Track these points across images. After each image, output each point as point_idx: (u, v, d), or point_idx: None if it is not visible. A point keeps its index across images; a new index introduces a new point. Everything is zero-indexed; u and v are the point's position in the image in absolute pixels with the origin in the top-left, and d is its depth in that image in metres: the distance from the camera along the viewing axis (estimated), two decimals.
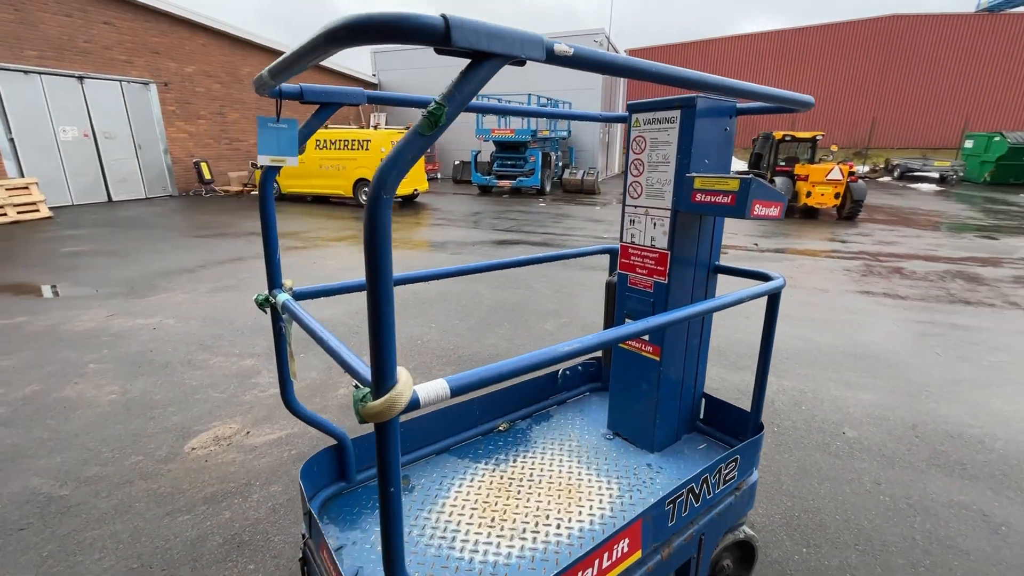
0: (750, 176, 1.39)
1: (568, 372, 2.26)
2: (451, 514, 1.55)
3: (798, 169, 11.14)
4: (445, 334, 4.41)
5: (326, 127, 12.88)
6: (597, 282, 6.04)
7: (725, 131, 1.64)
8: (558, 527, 1.50)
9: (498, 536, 1.46)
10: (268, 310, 1.39)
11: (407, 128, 12.89)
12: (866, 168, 21.96)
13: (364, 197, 12.29)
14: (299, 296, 1.36)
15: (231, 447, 2.80)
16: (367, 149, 12.02)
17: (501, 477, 1.73)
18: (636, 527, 1.33)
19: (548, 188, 15.43)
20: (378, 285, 0.72)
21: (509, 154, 15.00)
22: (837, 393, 3.44)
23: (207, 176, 13.94)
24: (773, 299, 1.61)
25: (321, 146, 12.47)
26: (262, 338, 4.29)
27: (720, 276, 1.85)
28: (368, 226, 0.71)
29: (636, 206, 1.76)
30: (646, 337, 1.78)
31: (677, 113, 1.56)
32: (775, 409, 3.23)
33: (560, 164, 17.21)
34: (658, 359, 1.78)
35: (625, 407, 1.93)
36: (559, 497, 1.63)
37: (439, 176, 21.18)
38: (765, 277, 1.63)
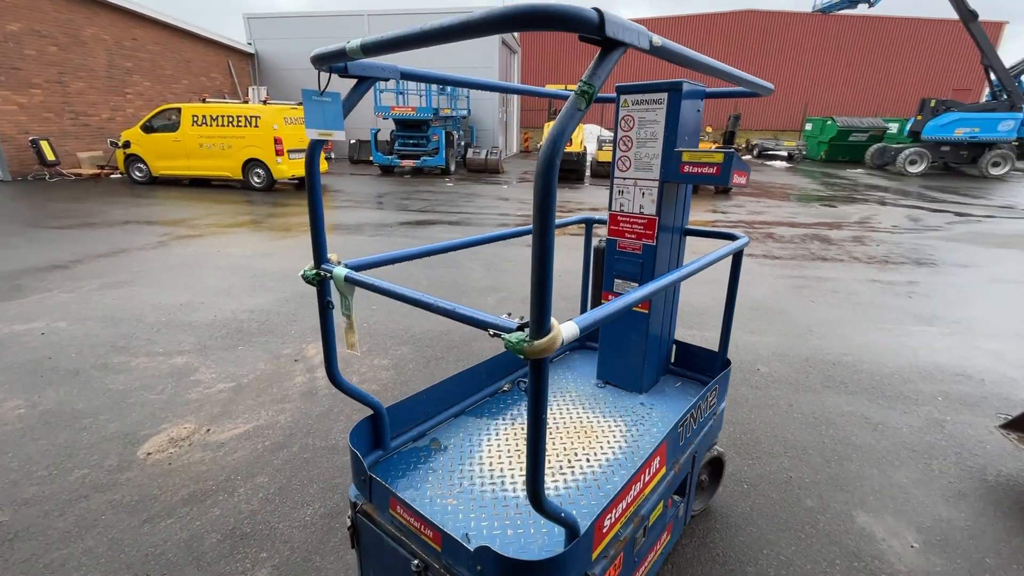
0: (731, 150, 1.68)
1: None
2: (491, 464, 1.69)
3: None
4: (391, 315, 4.38)
5: (203, 100, 11.54)
6: (524, 258, 6.31)
7: (698, 112, 1.92)
8: (588, 461, 1.72)
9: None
10: (317, 284, 1.40)
11: (298, 104, 12.00)
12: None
13: (258, 179, 11.35)
14: (355, 267, 1.38)
15: (194, 447, 2.62)
16: (256, 126, 10.99)
17: (522, 428, 1.89)
18: (663, 448, 1.58)
19: (453, 168, 15.36)
20: (545, 242, 0.85)
21: (411, 133, 14.63)
22: (747, 339, 4.07)
23: (50, 157, 11.78)
24: (738, 255, 1.95)
25: (199, 123, 11.15)
26: (186, 334, 3.93)
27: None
28: (540, 188, 0.83)
29: (625, 178, 1.99)
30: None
31: (665, 96, 1.80)
32: None
33: (462, 143, 17.17)
34: (647, 312, 2.05)
35: (615, 357, 2.19)
36: (579, 437, 1.84)
37: (333, 156, 19.98)
38: (731, 237, 1.96)
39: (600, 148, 14.49)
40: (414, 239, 7.30)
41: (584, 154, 14.05)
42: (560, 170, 14.01)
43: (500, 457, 1.73)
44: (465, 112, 18.02)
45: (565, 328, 0.94)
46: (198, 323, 4.15)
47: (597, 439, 1.83)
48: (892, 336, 4.17)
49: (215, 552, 1.98)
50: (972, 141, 15.73)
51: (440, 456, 1.74)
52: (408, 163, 14.52)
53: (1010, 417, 2.60)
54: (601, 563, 1.34)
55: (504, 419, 1.96)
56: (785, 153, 21.08)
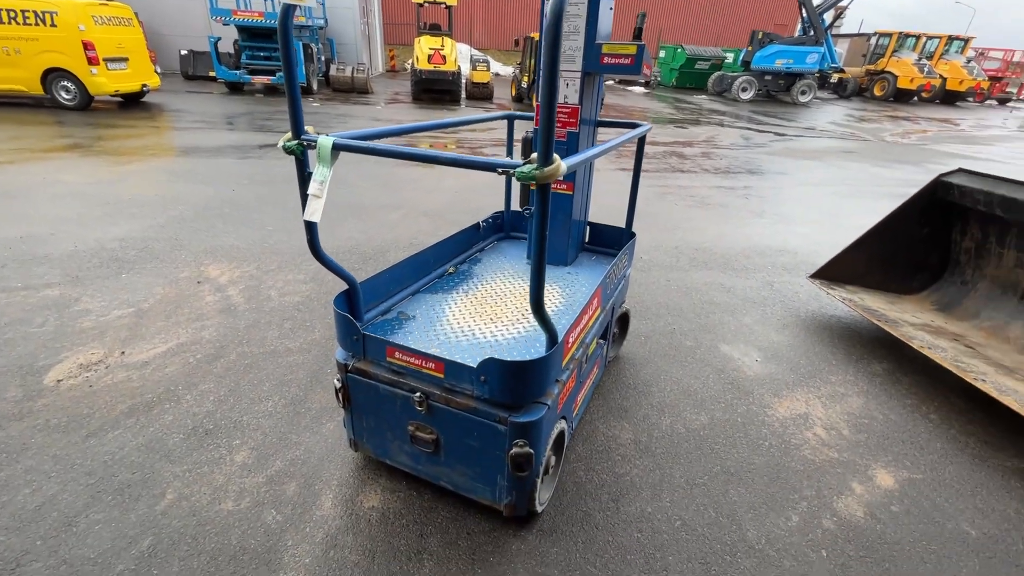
0: (642, 43, 1.99)
1: (484, 223, 2.72)
2: (459, 322, 1.96)
3: None
4: (291, 235, 4.22)
5: None
6: (418, 175, 6.29)
7: (610, 9, 2.18)
8: None
9: (503, 325, 1.94)
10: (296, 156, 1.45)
11: (109, 1, 9.75)
12: None
13: (68, 95, 9.30)
14: (339, 147, 1.44)
15: (112, 368, 2.46)
16: (53, 25, 8.79)
17: (475, 298, 2.16)
18: (599, 291, 1.98)
19: (315, 86, 13.94)
20: (552, 86, 1.07)
21: (261, 44, 12.81)
22: None
23: None
24: (641, 141, 2.34)
25: None
26: (46, 267, 3.42)
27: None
28: (549, 43, 1.04)
29: None
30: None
31: None
32: None
33: (322, 59, 15.50)
34: (571, 193, 2.38)
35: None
36: (524, 300, 2.17)
37: (159, 69, 16.72)
38: (634, 125, 2.33)
39: (474, 68, 14.18)
40: (280, 162, 6.78)
41: (459, 74, 13.67)
42: (433, 90, 13.54)
43: (464, 318, 1.99)
44: (322, 21, 16.12)
45: (564, 162, 1.20)
46: (56, 255, 3.61)
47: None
48: (736, 227, 5.14)
49: (183, 447, 2.01)
50: (788, 71, 18.37)
51: (410, 323, 1.95)
52: (261, 80, 12.84)
53: (816, 269, 3.52)
54: (565, 372, 1.71)
55: (457, 292, 2.21)
56: (642, 79, 22.56)
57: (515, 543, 1.70)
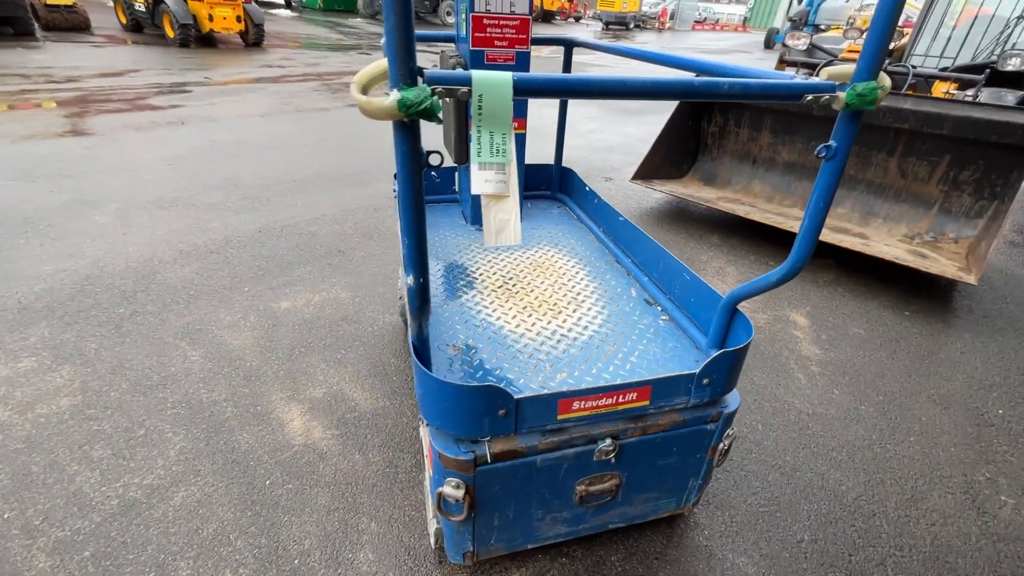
0: None
1: None
2: (522, 331, 1.43)
3: None
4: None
5: None
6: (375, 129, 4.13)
7: None
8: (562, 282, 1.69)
9: (555, 312, 1.53)
10: None
11: None
12: None
13: None
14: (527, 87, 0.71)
15: None
16: None
17: (484, 290, 1.61)
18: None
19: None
20: None
21: None
22: None
23: None
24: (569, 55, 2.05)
25: None
26: None
27: None
28: None
29: None
30: None
31: None
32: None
33: None
34: (524, 132, 1.93)
35: None
36: (530, 274, 1.74)
37: None
38: (564, 41, 2.01)
39: None
40: None
41: None
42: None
43: (516, 322, 1.47)
44: None
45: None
46: None
47: (555, 270, 1.79)
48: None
49: None
50: None
51: (474, 354, 1.33)
52: None
53: (634, 172, 3.98)
54: None
55: (462, 290, 1.60)
56: (283, 1, 19.65)
57: (696, 535, 1.50)
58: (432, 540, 1.30)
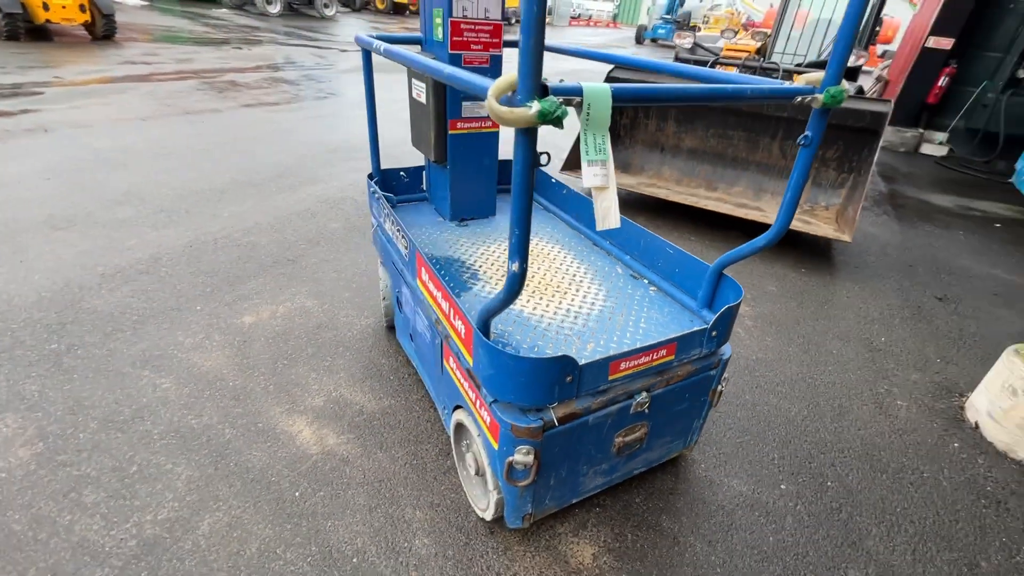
0: None
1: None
2: (548, 314, 1.57)
3: None
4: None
5: None
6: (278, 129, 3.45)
7: None
8: (568, 286, 1.86)
9: (560, 290, 1.69)
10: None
11: None
12: None
13: None
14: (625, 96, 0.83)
15: None
16: None
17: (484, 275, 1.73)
18: None
19: None
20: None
21: None
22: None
23: None
24: None
25: None
26: None
27: None
28: None
29: None
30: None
31: None
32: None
33: None
34: (498, 130, 2.04)
35: (466, 191, 2.10)
36: (551, 273, 1.89)
37: None
38: None
39: None
40: None
41: None
42: None
43: (529, 305, 1.61)
44: None
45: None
46: None
47: (545, 256, 1.94)
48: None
49: None
50: None
51: (509, 336, 1.44)
52: None
53: (562, 164, 4.22)
54: None
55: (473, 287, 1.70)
56: None
57: (696, 469, 1.76)
58: (490, 512, 1.40)
